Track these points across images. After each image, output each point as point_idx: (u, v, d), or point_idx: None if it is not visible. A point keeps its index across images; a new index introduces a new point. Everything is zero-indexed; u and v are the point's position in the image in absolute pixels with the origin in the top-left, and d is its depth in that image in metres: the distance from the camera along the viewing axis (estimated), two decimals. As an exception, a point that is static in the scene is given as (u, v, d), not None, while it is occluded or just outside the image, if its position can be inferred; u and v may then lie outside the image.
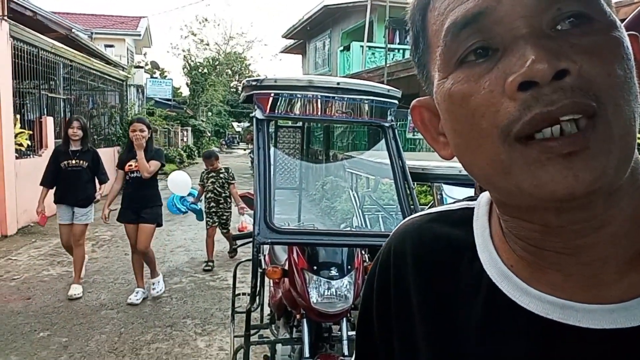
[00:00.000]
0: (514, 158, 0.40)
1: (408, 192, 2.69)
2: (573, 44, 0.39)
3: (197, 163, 23.98)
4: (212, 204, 6.23)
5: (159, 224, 5.00)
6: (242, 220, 5.00)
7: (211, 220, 6.23)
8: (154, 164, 4.76)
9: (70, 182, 4.94)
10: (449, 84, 0.44)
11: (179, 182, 5.96)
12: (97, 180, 5.18)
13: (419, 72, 0.53)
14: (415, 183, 3.59)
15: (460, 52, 0.43)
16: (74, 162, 4.97)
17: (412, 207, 2.62)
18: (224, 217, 6.27)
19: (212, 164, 6.27)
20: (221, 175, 6.24)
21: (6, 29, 7.64)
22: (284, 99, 2.59)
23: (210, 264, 6.08)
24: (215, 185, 6.21)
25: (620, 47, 0.40)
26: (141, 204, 4.83)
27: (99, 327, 4.26)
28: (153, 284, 5.07)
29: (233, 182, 6.23)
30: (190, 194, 6.07)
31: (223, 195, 6.23)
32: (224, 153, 36.03)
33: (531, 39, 0.39)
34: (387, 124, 2.77)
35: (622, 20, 0.77)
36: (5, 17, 7.90)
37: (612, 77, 0.39)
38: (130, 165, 4.79)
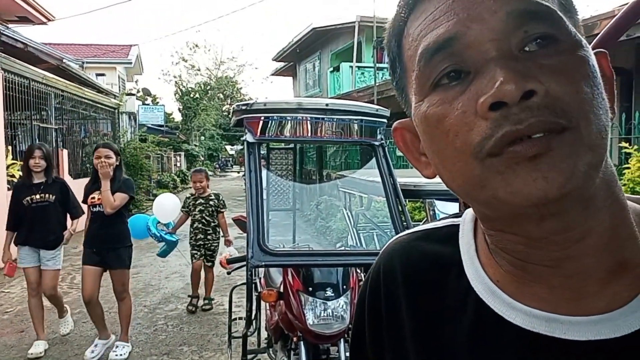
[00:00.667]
0: (487, 171, 0.42)
1: (400, 209, 2.70)
2: (541, 64, 0.41)
3: (190, 188, 23.94)
4: (200, 235, 5.41)
5: (128, 267, 4.26)
6: (227, 252, 4.42)
7: (198, 254, 5.43)
8: (120, 197, 3.98)
9: (36, 220, 4.14)
10: (425, 107, 0.46)
11: (168, 207, 5.27)
12: (69, 216, 4.39)
13: (399, 95, 0.54)
14: (407, 200, 3.60)
15: (433, 76, 0.45)
16: (38, 196, 4.16)
17: (404, 223, 2.63)
18: (211, 249, 5.48)
19: (202, 181, 5.44)
20: (211, 203, 5.42)
21: (-3, 62, 7.69)
22: (274, 121, 2.61)
23: (194, 300, 5.39)
24: (204, 214, 5.39)
25: (586, 65, 0.42)
26: (106, 244, 4.04)
27: (94, 358, 4.18)
28: (117, 346, 4.17)
29: (223, 210, 5.47)
30: (167, 225, 5.31)
31: (212, 225, 5.43)
32: (218, 176, 35.99)
33: (500, 61, 0.41)
34: (377, 143, 2.80)
35: (597, 35, 0.80)
36: (-4, 50, 7.96)
37: (580, 94, 0.40)
38: (93, 198, 4.04)
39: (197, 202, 5.45)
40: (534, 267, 0.47)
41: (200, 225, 5.41)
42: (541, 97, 0.40)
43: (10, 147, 8.27)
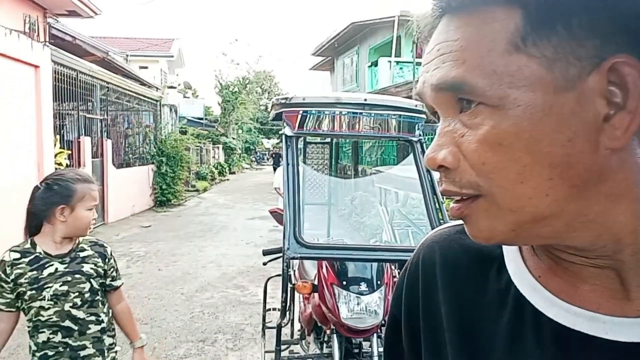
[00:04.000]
0: None
1: (437, 206, 2.68)
2: (464, 132, 0.44)
3: (228, 180, 24.34)
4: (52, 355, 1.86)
5: None
6: None
7: None
8: None
9: None
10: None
11: None
12: None
13: None
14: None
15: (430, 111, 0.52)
16: None
17: (441, 221, 2.60)
18: None
19: (61, 209, 1.85)
20: (87, 269, 1.91)
21: (48, 54, 8.01)
22: (312, 115, 2.63)
23: None
24: (72, 303, 1.86)
25: (506, 132, 0.42)
26: None
27: (133, 341, 4.34)
28: None
29: (118, 283, 2.05)
30: None
31: (91, 324, 1.92)
32: (255, 169, 36.40)
33: (439, 128, 0.47)
34: (415, 139, 2.77)
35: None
36: (47, 43, 8.29)
37: (488, 165, 0.43)
38: None
39: (47, 268, 1.86)
40: (576, 267, 0.47)
41: (59, 339, 1.88)
42: (450, 171, 0.46)
43: (58, 137, 8.61)
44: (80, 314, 1.89)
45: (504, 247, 0.55)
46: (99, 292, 1.97)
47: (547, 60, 0.40)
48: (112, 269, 2.04)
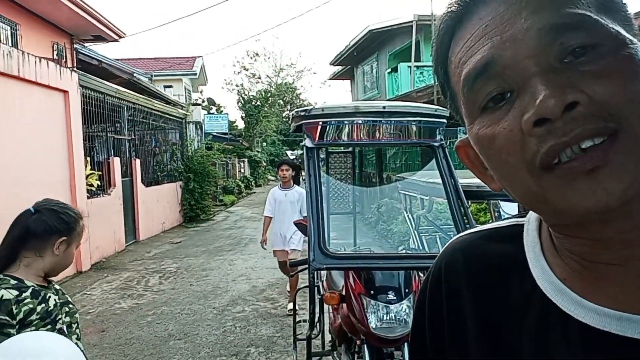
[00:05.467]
0: (545, 186, 0.43)
1: (463, 211, 2.64)
2: (583, 71, 0.41)
3: (254, 192, 24.53)
4: None
5: None
6: None
7: None
8: None
9: None
10: (476, 129, 0.48)
11: None
12: None
13: (455, 114, 0.56)
14: (471, 201, 3.52)
15: (479, 101, 0.47)
16: None
17: (467, 226, 2.57)
18: None
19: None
20: (70, 299, 1.80)
21: (76, 79, 8.27)
22: (331, 126, 2.65)
23: None
24: (71, 334, 1.72)
25: (633, 63, 0.41)
26: None
27: (167, 357, 4.40)
28: None
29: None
30: None
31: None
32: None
33: (540, 76, 0.42)
34: (436, 144, 2.76)
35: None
36: (75, 69, 8.56)
37: (628, 93, 0.40)
38: None
39: (49, 300, 1.67)
40: (601, 267, 0.47)
41: None
42: (585, 106, 0.40)
43: (88, 158, 8.85)
44: (81, 345, 1.70)
45: (527, 251, 0.55)
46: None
47: (621, 27, 0.44)
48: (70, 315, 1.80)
